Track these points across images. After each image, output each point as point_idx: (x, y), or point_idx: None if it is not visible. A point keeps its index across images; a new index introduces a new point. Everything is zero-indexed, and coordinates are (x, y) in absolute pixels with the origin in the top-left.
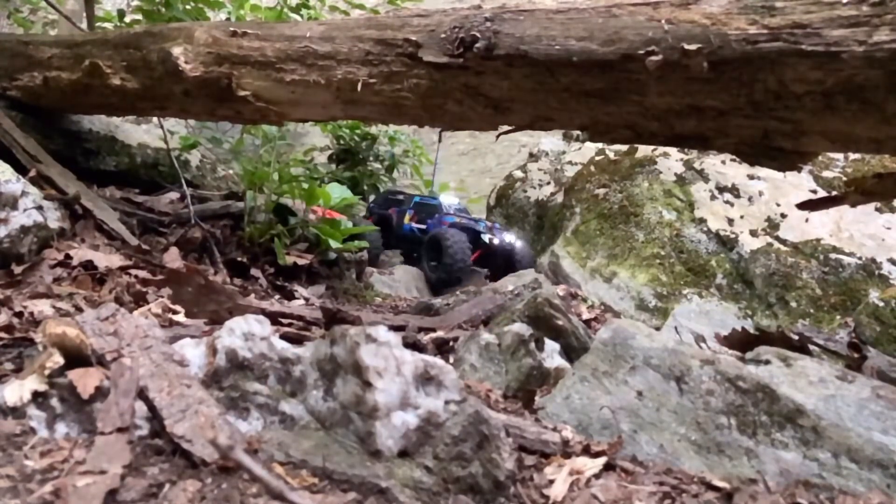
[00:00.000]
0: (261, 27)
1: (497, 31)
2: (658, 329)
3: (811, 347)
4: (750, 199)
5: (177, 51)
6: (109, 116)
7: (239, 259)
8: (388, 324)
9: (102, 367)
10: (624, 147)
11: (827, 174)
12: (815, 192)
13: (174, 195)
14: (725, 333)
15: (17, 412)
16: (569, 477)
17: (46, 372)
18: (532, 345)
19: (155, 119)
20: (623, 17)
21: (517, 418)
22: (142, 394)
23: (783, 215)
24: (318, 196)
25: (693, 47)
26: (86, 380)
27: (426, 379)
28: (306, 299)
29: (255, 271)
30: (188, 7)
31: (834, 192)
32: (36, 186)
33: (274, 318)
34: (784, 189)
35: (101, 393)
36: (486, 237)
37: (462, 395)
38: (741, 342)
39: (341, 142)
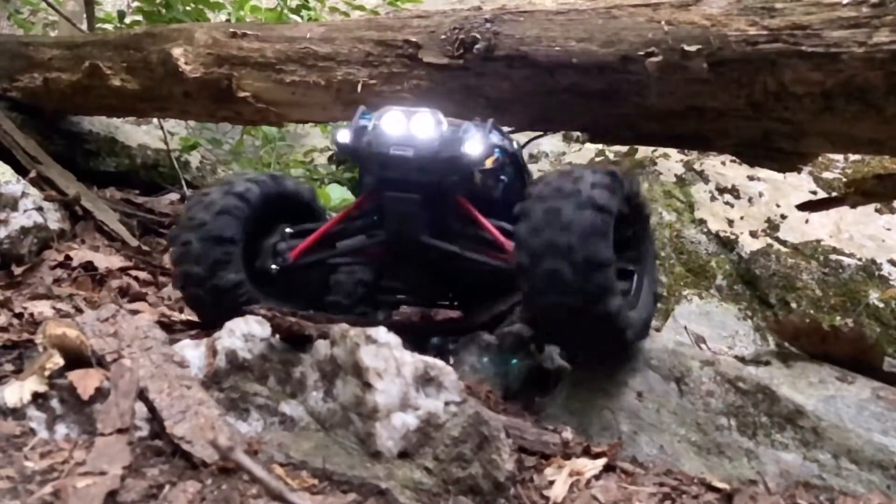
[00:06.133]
0: (261, 28)
1: (497, 33)
2: (658, 330)
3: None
4: (750, 200)
5: (177, 52)
6: (110, 118)
7: None
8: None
9: (102, 369)
10: (624, 148)
11: (827, 175)
12: (815, 193)
13: (174, 196)
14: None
15: (17, 413)
16: (569, 478)
17: (46, 373)
18: (532, 346)
19: (155, 120)
20: (623, 18)
21: (517, 419)
22: (142, 395)
23: (783, 216)
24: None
25: (693, 48)
26: (86, 381)
27: (426, 380)
28: None
29: None
30: (188, 8)
31: (834, 194)
32: (36, 187)
33: None
34: (784, 190)
35: (100, 394)
36: None
37: (462, 396)
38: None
39: None
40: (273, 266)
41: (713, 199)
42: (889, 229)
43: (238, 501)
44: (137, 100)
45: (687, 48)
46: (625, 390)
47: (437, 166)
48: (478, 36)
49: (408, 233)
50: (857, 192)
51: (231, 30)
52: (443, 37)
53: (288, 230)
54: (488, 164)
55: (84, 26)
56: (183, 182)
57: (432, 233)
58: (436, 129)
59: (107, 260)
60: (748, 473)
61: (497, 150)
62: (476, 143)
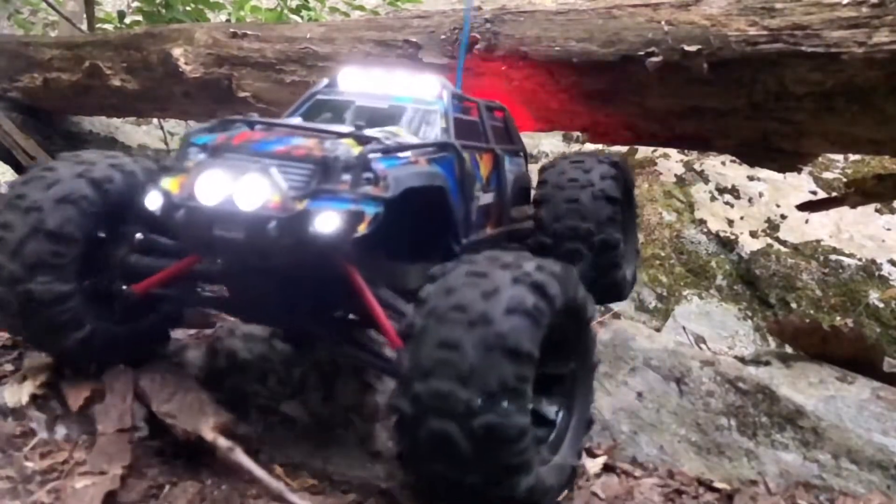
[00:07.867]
0: (261, 28)
1: (497, 33)
2: (658, 330)
3: None
4: (750, 200)
5: (177, 52)
6: (110, 118)
7: None
8: None
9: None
10: (624, 148)
11: (827, 175)
12: (815, 193)
13: None
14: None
15: (17, 413)
16: None
17: (38, 382)
18: None
19: (155, 120)
20: (623, 18)
21: None
22: (136, 386)
23: (783, 216)
24: None
25: (693, 48)
26: (77, 390)
27: None
28: None
29: None
30: (188, 8)
31: (834, 194)
32: None
33: None
34: (784, 190)
35: (96, 397)
36: None
37: None
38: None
39: None
40: (119, 288)
41: (713, 199)
42: (889, 229)
43: (238, 502)
44: (137, 100)
45: (687, 48)
46: (625, 390)
47: (281, 254)
48: (478, 36)
49: (266, 316)
50: (857, 192)
51: (231, 30)
52: (443, 37)
53: (139, 237)
54: (361, 229)
55: (84, 26)
56: None
57: (298, 309)
58: (272, 196)
59: None
60: (748, 473)
61: (373, 205)
62: (331, 215)
